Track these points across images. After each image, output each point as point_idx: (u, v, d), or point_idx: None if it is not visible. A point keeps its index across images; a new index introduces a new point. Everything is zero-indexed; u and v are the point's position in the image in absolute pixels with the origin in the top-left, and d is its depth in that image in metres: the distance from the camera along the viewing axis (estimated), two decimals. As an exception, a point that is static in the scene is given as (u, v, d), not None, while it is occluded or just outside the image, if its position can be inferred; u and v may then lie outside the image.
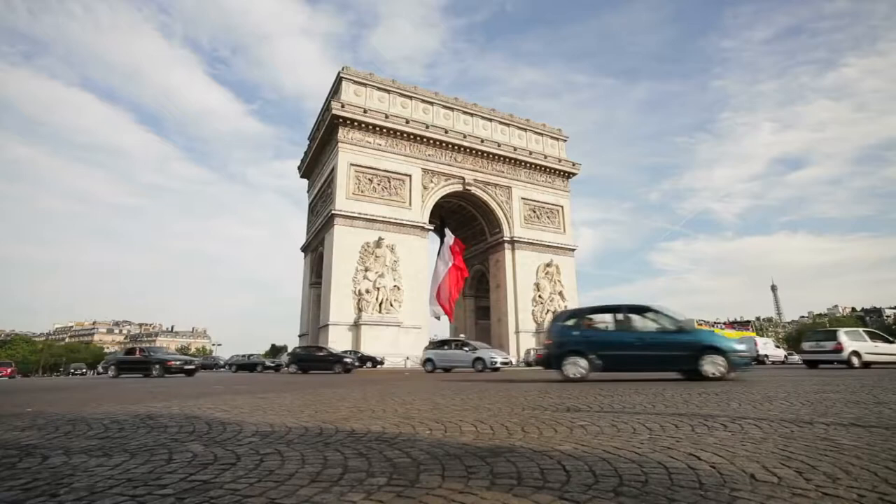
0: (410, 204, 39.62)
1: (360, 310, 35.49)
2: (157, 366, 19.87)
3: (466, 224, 47.26)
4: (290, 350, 37.12)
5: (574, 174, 49.83)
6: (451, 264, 34.80)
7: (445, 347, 22.92)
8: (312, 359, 23.61)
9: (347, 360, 22.80)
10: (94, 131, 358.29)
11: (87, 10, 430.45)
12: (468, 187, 43.32)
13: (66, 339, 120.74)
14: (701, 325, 42.46)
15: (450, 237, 36.19)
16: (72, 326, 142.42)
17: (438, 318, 39.66)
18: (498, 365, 20.20)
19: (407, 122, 40.33)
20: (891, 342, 17.83)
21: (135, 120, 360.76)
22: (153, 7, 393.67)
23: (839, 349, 16.67)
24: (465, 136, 43.13)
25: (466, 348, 21.76)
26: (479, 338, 48.33)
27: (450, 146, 42.53)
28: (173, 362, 20.47)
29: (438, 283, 35.65)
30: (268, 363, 35.70)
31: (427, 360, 22.21)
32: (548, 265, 44.87)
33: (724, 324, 65.41)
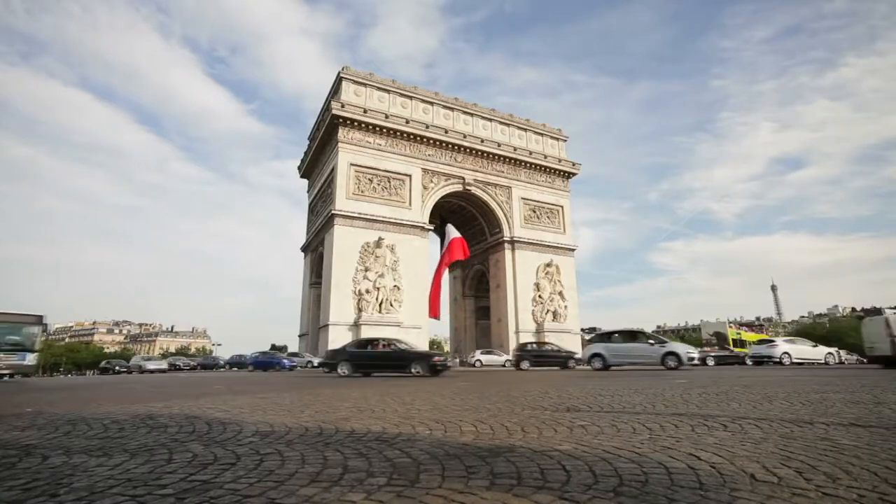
0: (410, 204, 39.63)
1: (360, 310, 35.49)
2: (418, 362, 15.98)
3: (466, 224, 47.25)
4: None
5: (574, 174, 49.85)
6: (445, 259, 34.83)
7: (617, 339, 18.85)
8: (377, 356, 17.44)
9: (437, 357, 16.91)
10: (93, 131, 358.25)
11: (85, 10, 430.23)
12: (468, 187, 43.33)
13: (66, 339, 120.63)
14: (730, 327, 42.61)
15: (450, 236, 36.11)
16: (72, 326, 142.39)
17: (439, 318, 39.66)
18: (696, 361, 17.81)
19: (407, 122, 40.35)
20: (814, 346, 24.13)
21: (134, 120, 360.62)
22: (151, 7, 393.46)
23: (774, 352, 22.77)
24: (465, 136, 43.14)
25: (651, 341, 17.99)
26: (479, 338, 48.39)
27: (450, 146, 42.54)
28: (438, 359, 16.72)
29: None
30: (314, 361, 30.60)
31: (595, 356, 18.28)
32: (548, 265, 44.88)
33: (744, 325, 66.24)
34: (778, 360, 22.18)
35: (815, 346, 24.44)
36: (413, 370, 15.88)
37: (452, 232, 35.77)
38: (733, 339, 38.74)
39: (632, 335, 19.03)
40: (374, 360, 17.30)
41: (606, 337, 19.37)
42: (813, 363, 22.86)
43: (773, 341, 24.10)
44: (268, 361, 31.96)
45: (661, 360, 16.93)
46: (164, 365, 37.95)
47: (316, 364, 32.25)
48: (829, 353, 23.73)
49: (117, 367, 38.69)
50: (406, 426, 3.79)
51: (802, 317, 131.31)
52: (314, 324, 41.34)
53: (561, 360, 24.45)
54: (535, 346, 28.81)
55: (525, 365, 23.72)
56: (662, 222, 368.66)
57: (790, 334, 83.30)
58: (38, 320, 20.13)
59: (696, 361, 17.87)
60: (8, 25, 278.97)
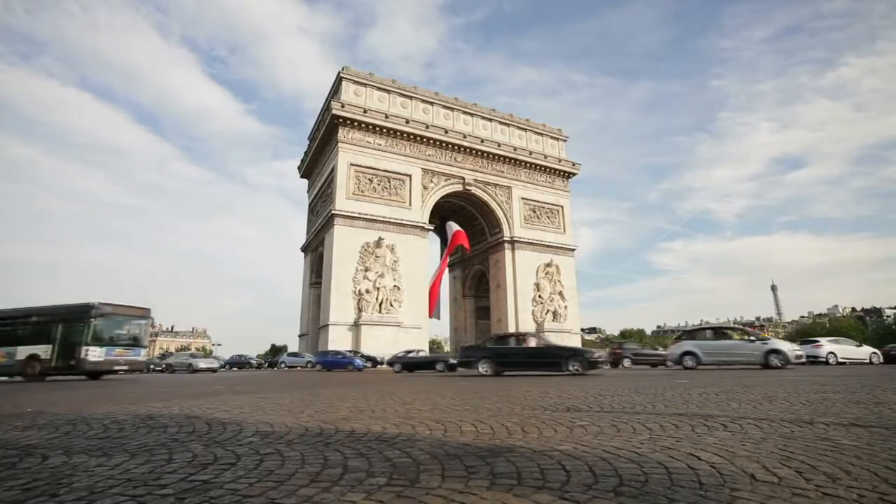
0: (410, 204, 39.64)
1: (360, 310, 35.50)
2: (574, 358, 14.33)
3: (466, 224, 47.25)
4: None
5: (574, 174, 49.85)
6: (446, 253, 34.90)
7: (708, 335, 17.35)
8: (525, 353, 15.20)
9: (596, 353, 15.40)
10: (93, 131, 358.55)
11: (84, 10, 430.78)
12: (468, 187, 43.34)
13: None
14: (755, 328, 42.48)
15: (451, 230, 36.07)
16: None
17: (439, 317, 39.67)
18: (804, 360, 16.55)
19: (407, 122, 40.35)
20: (858, 346, 24.41)
21: (133, 119, 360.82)
22: (150, 6, 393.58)
23: (819, 352, 22.67)
24: (465, 136, 43.14)
25: (751, 337, 16.74)
26: (479, 338, 48.37)
27: (450, 146, 42.54)
28: (597, 355, 15.34)
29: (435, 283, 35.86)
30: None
31: (686, 354, 16.82)
32: (548, 265, 44.90)
33: (746, 326, 66.23)
34: (824, 359, 21.74)
35: (860, 345, 24.42)
36: (570, 368, 13.95)
37: (453, 227, 35.76)
38: None
39: (721, 331, 17.75)
40: (521, 356, 15.25)
41: (694, 334, 17.99)
42: (857, 363, 22.68)
43: (817, 341, 23.53)
44: (339, 361, 28.66)
45: (764, 358, 15.48)
46: (215, 364, 32.69)
47: (312, 363, 31.55)
48: (874, 353, 23.72)
49: (151, 366, 33.33)
50: (406, 426, 3.79)
51: (802, 317, 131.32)
52: (314, 324, 41.34)
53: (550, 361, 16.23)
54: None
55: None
56: (662, 222, 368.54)
57: (790, 334, 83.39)
58: (147, 313, 19.17)
59: (803, 360, 16.39)
60: (7, 25, 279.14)
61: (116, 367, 17.45)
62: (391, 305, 36.54)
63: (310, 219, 48.34)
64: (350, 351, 31.04)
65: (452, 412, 4.71)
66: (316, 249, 43.42)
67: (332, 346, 33.50)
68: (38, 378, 16.64)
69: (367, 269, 36.32)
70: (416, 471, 2.31)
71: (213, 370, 30.59)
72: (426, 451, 2.78)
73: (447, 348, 66.05)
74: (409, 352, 26.85)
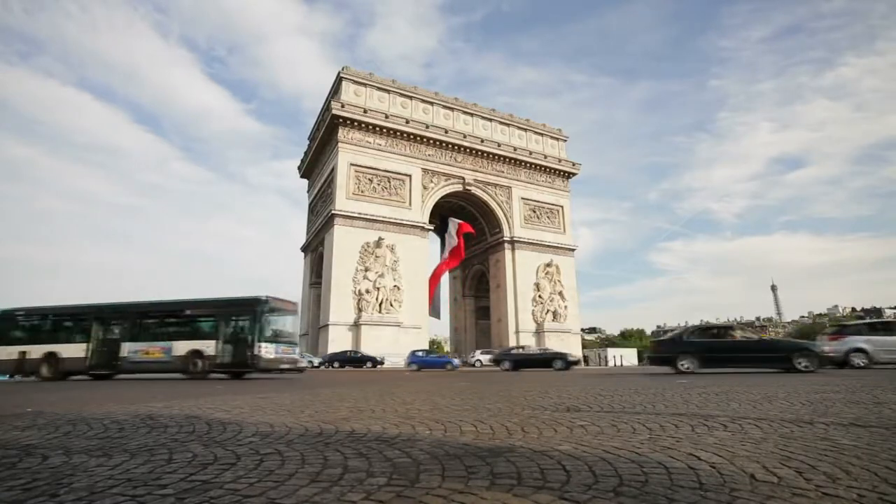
0: (410, 204, 39.65)
1: (360, 310, 35.50)
2: (802, 354, 13.30)
3: (467, 223, 47.29)
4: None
5: (574, 174, 49.86)
6: (452, 246, 34.83)
7: (878, 329, 15.49)
8: (739, 348, 14.02)
9: (825, 347, 14.63)
10: (93, 131, 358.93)
11: (82, 10, 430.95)
12: (468, 187, 43.35)
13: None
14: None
15: (453, 228, 36.01)
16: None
17: (438, 317, 39.67)
18: None
19: (407, 122, 40.36)
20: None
21: (133, 119, 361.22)
22: (149, 6, 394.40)
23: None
24: (465, 136, 43.15)
25: None
26: (479, 338, 48.41)
27: (450, 146, 42.55)
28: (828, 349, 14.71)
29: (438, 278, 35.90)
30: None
31: (855, 352, 14.99)
32: (548, 265, 44.90)
33: (748, 326, 66.05)
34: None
35: None
36: (800, 364, 12.62)
37: (453, 224, 35.69)
38: None
39: (890, 326, 15.90)
40: (734, 351, 13.78)
41: (860, 328, 16.29)
42: None
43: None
44: (435, 361, 27.87)
45: None
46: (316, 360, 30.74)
47: (318, 363, 31.03)
48: None
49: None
50: (406, 426, 3.79)
51: (802, 317, 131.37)
52: (314, 324, 41.34)
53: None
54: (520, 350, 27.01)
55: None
56: (662, 222, 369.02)
57: (790, 334, 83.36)
58: (297, 308, 18.25)
59: None
60: (6, 25, 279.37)
61: (282, 366, 16.31)
62: (391, 305, 36.55)
63: (310, 219, 48.34)
64: (426, 350, 31.65)
65: (452, 412, 4.70)
66: (316, 249, 43.42)
67: (331, 347, 33.41)
68: (201, 376, 15.34)
69: (367, 269, 36.33)
70: (416, 471, 2.31)
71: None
72: (426, 451, 2.78)
73: (447, 348, 66.02)
74: (517, 347, 26.51)
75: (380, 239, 37.00)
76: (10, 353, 17.25)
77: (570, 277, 46.10)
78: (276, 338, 15.96)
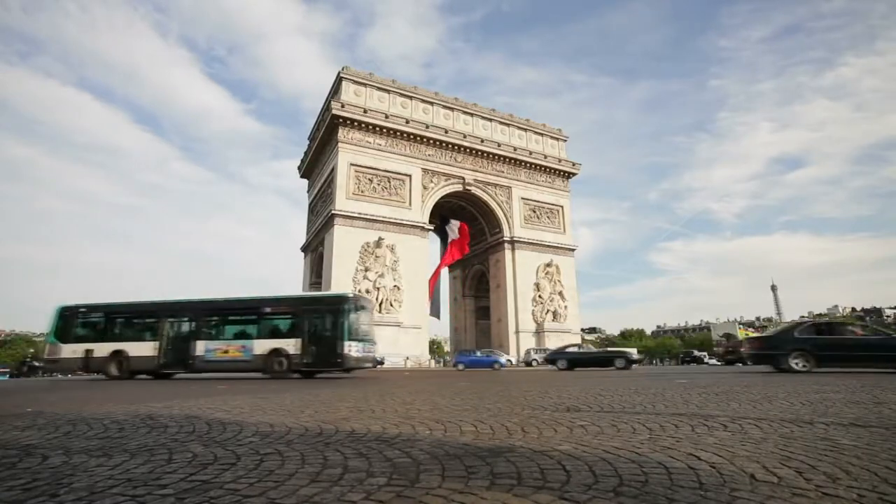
0: (410, 204, 39.65)
1: (360, 310, 35.49)
2: None
3: (467, 224, 47.31)
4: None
5: (574, 174, 49.87)
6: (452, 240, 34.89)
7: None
8: (855, 345, 12.65)
9: None
10: (93, 131, 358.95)
11: (82, 9, 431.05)
12: (468, 187, 43.35)
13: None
14: (740, 328, 42.22)
15: (453, 229, 36.07)
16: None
17: (438, 316, 39.66)
18: None
19: (407, 122, 40.36)
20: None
21: (133, 119, 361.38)
22: (149, 6, 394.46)
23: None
24: (465, 136, 43.16)
25: None
26: (479, 338, 48.40)
27: (450, 146, 42.55)
28: None
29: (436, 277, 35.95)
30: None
31: None
32: (548, 265, 44.91)
33: (749, 326, 65.93)
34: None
35: None
36: None
37: (452, 235, 35.80)
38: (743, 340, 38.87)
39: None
40: (856, 349, 12.51)
41: None
42: None
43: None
44: (482, 360, 27.33)
45: None
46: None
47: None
48: None
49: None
50: (406, 426, 3.79)
51: (802, 317, 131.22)
52: (314, 324, 41.26)
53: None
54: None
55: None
56: (662, 222, 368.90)
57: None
58: (373, 305, 17.61)
59: None
60: (6, 25, 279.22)
61: (366, 364, 15.93)
62: (391, 305, 36.55)
63: (310, 219, 48.35)
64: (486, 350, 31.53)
65: (452, 412, 4.70)
66: (316, 249, 43.43)
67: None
68: (282, 375, 14.81)
69: (367, 269, 36.33)
70: (416, 471, 2.31)
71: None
72: (426, 451, 2.78)
73: (447, 348, 66.02)
74: (572, 346, 24.83)
75: (380, 239, 37.00)
76: (74, 350, 16.68)
77: (570, 277, 46.10)
78: (360, 336, 15.57)
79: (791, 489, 1.90)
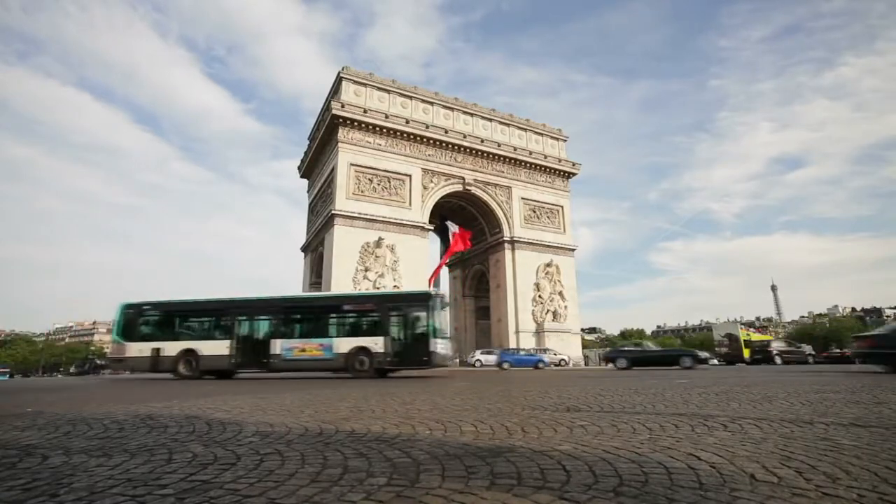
0: (410, 204, 39.64)
1: (360, 310, 35.46)
2: None
3: (467, 224, 47.25)
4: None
5: (574, 174, 49.87)
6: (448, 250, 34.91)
7: None
8: None
9: None
10: (92, 131, 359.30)
11: (81, 9, 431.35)
12: (468, 187, 43.34)
13: (66, 339, 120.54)
14: (741, 328, 42.05)
15: (452, 230, 36.07)
16: (72, 326, 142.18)
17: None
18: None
19: (407, 122, 40.35)
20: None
21: (133, 119, 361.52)
22: (148, 6, 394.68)
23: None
24: (465, 136, 43.15)
25: None
26: (479, 338, 48.37)
27: (450, 146, 42.54)
28: None
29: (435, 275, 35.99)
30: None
31: None
32: (548, 265, 44.89)
33: (751, 327, 66.13)
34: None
35: None
36: None
37: (452, 227, 35.81)
38: (745, 341, 38.88)
39: None
40: None
41: None
42: None
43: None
44: (525, 359, 27.10)
45: None
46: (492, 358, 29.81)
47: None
48: None
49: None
50: (406, 426, 3.79)
51: (802, 317, 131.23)
52: (314, 324, 41.24)
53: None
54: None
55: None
56: (662, 222, 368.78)
57: (791, 334, 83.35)
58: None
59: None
60: (5, 24, 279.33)
61: (448, 362, 15.61)
62: (391, 305, 36.49)
63: (310, 219, 48.33)
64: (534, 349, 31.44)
65: (452, 412, 4.70)
66: (316, 249, 43.41)
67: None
68: (367, 374, 14.44)
69: (367, 269, 36.31)
70: (416, 471, 2.31)
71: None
72: (426, 451, 2.78)
73: (447, 348, 65.88)
74: (635, 343, 23.36)
75: (380, 239, 36.99)
76: (141, 349, 16.22)
77: (570, 277, 46.08)
78: (443, 333, 15.23)
79: (791, 489, 1.90)
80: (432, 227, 41.49)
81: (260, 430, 3.71)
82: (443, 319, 15.43)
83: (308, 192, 50.43)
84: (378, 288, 36.18)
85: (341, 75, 39.84)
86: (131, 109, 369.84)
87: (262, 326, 16.23)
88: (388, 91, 41.13)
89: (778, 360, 27.80)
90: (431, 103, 43.10)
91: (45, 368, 76.59)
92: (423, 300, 15.17)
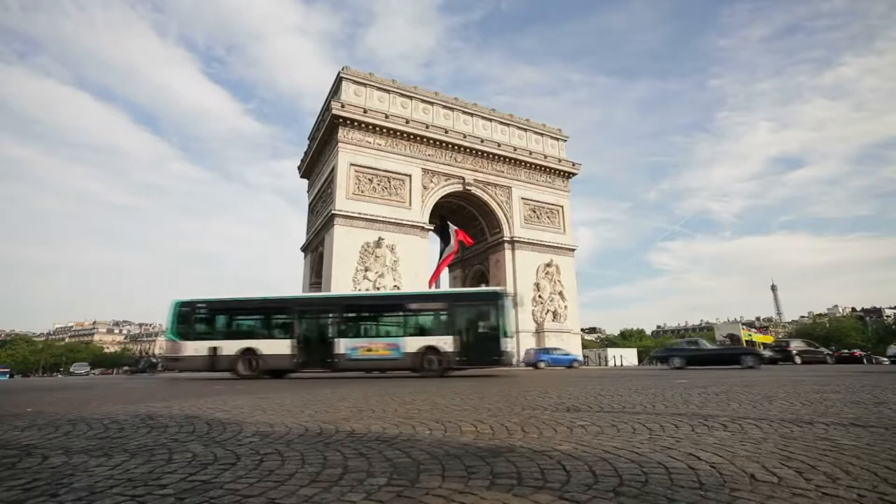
0: (410, 204, 39.65)
1: (360, 310, 35.46)
2: None
3: (467, 224, 47.29)
4: None
5: (574, 174, 49.90)
6: (451, 252, 34.88)
7: None
8: None
9: None
10: (91, 131, 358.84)
11: (80, 9, 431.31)
12: (468, 187, 43.34)
13: (66, 339, 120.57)
14: (743, 329, 41.88)
15: (452, 231, 36.05)
16: (72, 326, 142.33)
17: None
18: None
19: (407, 122, 40.36)
20: None
21: (131, 119, 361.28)
22: (147, 5, 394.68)
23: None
24: (465, 136, 43.16)
25: None
26: (479, 338, 48.33)
27: (450, 146, 42.55)
28: None
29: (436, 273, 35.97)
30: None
31: None
32: (548, 265, 44.91)
33: (753, 327, 66.01)
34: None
35: None
36: None
37: (452, 227, 35.80)
38: (746, 341, 38.85)
39: None
40: None
41: None
42: None
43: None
44: (562, 359, 27.00)
45: None
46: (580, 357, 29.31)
47: None
48: None
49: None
50: (406, 426, 3.78)
51: (802, 317, 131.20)
52: (314, 324, 41.21)
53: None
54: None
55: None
56: (661, 222, 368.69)
57: (791, 334, 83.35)
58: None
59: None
60: (3, 24, 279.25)
61: (513, 360, 15.37)
62: (391, 305, 36.49)
63: (310, 219, 48.34)
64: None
65: (452, 412, 4.70)
66: (316, 249, 43.42)
67: None
68: (437, 374, 14.39)
69: (367, 269, 36.32)
70: (416, 471, 2.31)
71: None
72: (426, 451, 2.78)
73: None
74: (690, 341, 21.55)
75: (380, 239, 36.99)
76: (197, 348, 15.86)
77: (570, 277, 46.09)
78: (511, 333, 15.20)
79: (791, 489, 1.90)
80: (432, 228, 41.48)
81: (260, 430, 3.71)
82: (511, 319, 15.28)
83: (308, 192, 50.42)
84: (378, 288, 36.20)
85: (341, 75, 39.85)
86: (130, 109, 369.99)
87: (326, 325, 16.05)
88: (388, 91, 41.14)
89: (798, 359, 27.11)
90: (431, 103, 43.11)
91: (45, 368, 76.60)
92: (493, 299, 15.05)
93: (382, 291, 16.26)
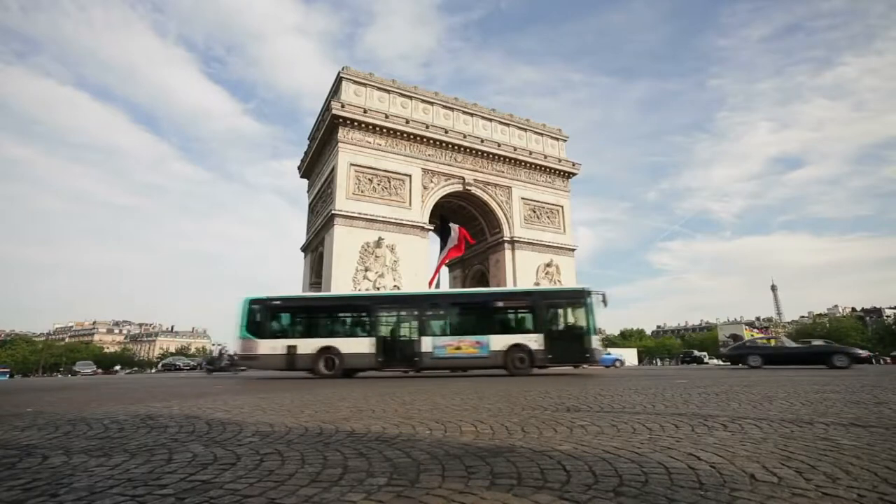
0: (410, 204, 39.67)
1: (360, 310, 35.47)
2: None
3: (467, 224, 47.28)
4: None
5: (574, 174, 49.95)
6: (453, 245, 34.90)
7: None
8: None
9: None
10: (91, 131, 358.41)
11: (80, 9, 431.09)
12: (468, 187, 43.36)
13: (66, 339, 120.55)
14: (745, 329, 41.84)
15: (453, 230, 36.06)
16: (72, 326, 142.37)
17: None
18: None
19: (407, 122, 40.39)
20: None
21: (131, 119, 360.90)
22: (147, 5, 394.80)
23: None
24: (465, 136, 43.20)
25: None
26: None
27: (450, 146, 42.58)
28: None
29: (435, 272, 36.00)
30: None
31: None
32: (548, 265, 44.93)
33: (754, 327, 65.84)
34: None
35: None
36: None
37: (453, 227, 35.82)
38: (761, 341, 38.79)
39: None
40: None
41: None
42: None
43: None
44: (606, 359, 26.15)
45: None
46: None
47: None
48: None
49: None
50: (406, 426, 3.78)
51: (802, 317, 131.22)
52: (314, 324, 41.22)
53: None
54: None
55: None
56: (661, 222, 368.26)
57: (791, 334, 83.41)
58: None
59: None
60: (3, 24, 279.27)
61: (598, 357, 15.09)
62: (391, 305, 36.50)
63: (310, 219, 48.36)
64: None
65: (452, 412, 4.70)
66: (316, 249, 43.44)
67: None
68: (524, 372, 14.13)
69: (367, 270, 36.33)
70: (416, 471, 2.31)
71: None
72: (426, 451, 2.78)
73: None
74: (769, 339, 20.23)
75: (380, 239, 37.01)
76: (273, 347, 15.42)
77: (570, 277, 46.08)
78: (597, 331, 15.00)
79: (791, 489, 1.90)
80: (432, 228, 41.50)
81: (260, 430, 3.71)
82: (597, 317, 15.08)
83: (308, 192, 50.44)
84: (378, 288, 36.21)
85: (341, 75, 39.88)
86: (130, 109, 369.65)
87: (410, 323, 15.77)
88: (388, 91, 41.17)
89: None
90: (431, 103, 43.14)
91: (45, 368, 76.57)
92: (580, 297, 14.95)
93: (465, 289, 15.96)
